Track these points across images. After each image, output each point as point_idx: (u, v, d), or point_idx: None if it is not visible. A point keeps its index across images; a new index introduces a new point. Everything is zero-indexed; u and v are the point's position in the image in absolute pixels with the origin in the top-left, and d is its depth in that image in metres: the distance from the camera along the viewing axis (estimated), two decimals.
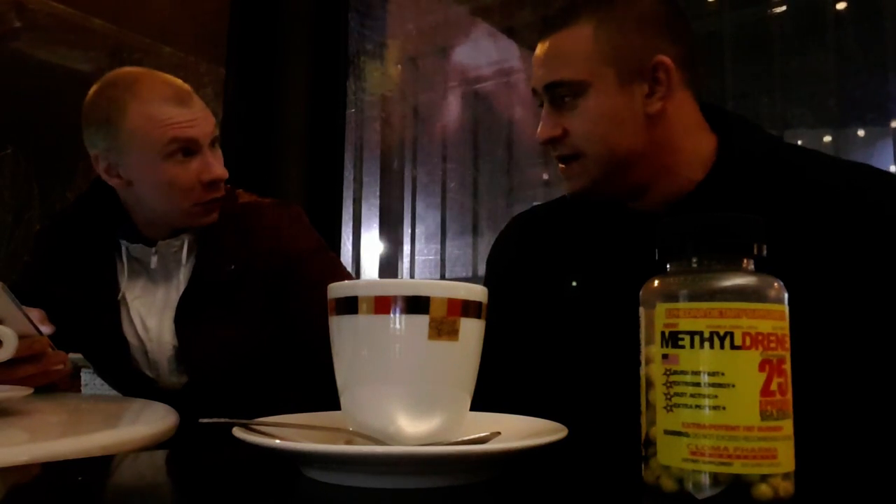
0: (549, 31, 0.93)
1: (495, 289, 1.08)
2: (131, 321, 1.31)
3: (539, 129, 0.95)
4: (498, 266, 1.10)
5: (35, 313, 1.12)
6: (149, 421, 0.92)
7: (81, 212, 1.30)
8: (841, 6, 2.36)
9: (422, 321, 0.51)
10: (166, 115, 1.22)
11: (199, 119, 1.24)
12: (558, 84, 0.91)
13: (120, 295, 1.31)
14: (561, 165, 0.96)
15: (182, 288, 1.28)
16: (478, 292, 0.55)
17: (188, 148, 1.23)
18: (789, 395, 0.43)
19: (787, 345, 0.43)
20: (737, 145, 0.91)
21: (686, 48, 0.93)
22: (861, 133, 2.38)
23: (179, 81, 1.29)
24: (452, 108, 3.23)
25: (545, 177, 3.04)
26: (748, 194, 0.87)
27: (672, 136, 0.92)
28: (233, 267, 1.27)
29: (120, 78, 1.27)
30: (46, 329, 1.11)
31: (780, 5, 2.42)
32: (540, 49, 0.94)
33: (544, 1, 3.05)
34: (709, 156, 0.92)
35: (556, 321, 0.97)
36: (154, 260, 1.29)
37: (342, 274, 1.37)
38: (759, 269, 0.45)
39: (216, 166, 1.26)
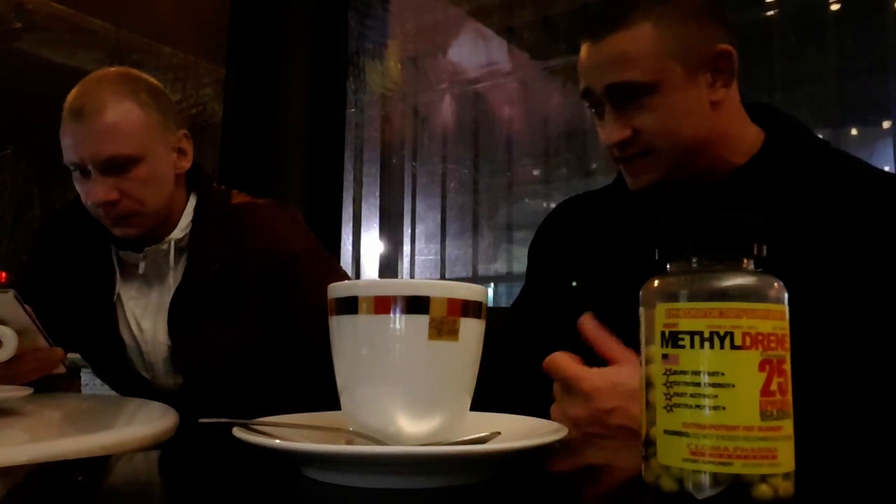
0: (603, 31, 0.90)
1: (533, 268, 1.11)
2: (127, 322, 1.31)
3: (605, 133, 0.92)
4: (538, 248, 1.13)
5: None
6: (148, 421, 0.92)
7: (78, 212, 1.30)
8: (840, 6, 2.36)
9: (422, 321, 0.51)
10: (64, 130, 1.21)
11: (85, 142, 1.18)
12: (624, 85, 0.89)
13: (115, 296, 1.31)
14: (625, 164, 0.95)
15: (174, 289, 1.28)
16: (478, 292, 0.55)
17: (81, 168, 1.21)
18: (789, 395, 0.43)
19: (787, 345, 0.43)
20: (783, 140, 0.93)
21: (731, 32, 0.94)
22: (860, 133, 2.38)
23: (92, 91, 1.20)
24: (452, 108, 3.23)
25: (535, 173, 3.04)
26: (782, 187, 0.89)
27: (728, 121, 0.93)
28: (218, 266, 1.26)
29: None
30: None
31: (779, 7, 2.42)
32: (594, 50, 0.91)
33: (544, 1, 3.05)
34: (753, 146, 0.94)
35: (574, 310, 0.99)
36: (143, 265, 1.29)
37: (338, 274, 1.36)
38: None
39: (94, 192, 1.20)
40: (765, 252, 0.45)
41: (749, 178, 0.92)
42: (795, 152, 0.91)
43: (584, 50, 0.93)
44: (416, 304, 0.51)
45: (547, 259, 1.09)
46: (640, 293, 0.47)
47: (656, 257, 0.47)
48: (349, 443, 0.55)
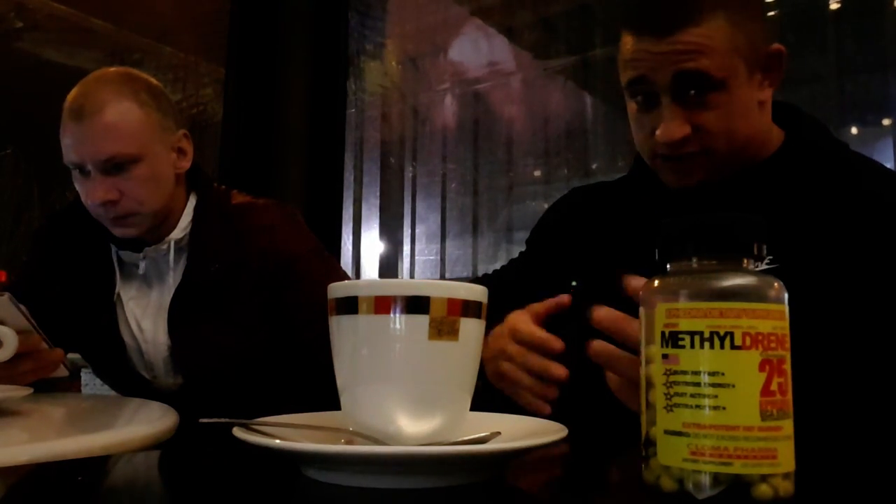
0: (673, 26, 0.86)
1: (533, 245, 1.12)
2: (127, 322, 1.31)
3: (663, 130, 0.87)
4: (542, 228, 1.12)
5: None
6: (149, 420, 0.92)
7: (78, 212, 1.30)
8: (840, 6, 2.36)
9: (422, 321, 0.51)
10: (64, 130, 1.21)
11: (85, 141, 1.18)
12: (695, 74, 0.85)
13: (115, 296, 1.31)
14: (673, 163, 0.90)
15: (174, 289, 1.28)
16: (478, 292, 0.55)
17: (81, 168, 1.21)
18: (789, 395, 0.43)
19: (787, 345, 0.43)
20: (803, 140, 0.92)
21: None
22: (860, 132, 2.38)
23: (92, 91, 1.20)
24: (452, 108, 3.23)
25: (536, 174, 3.04)
26: (793, 187, 0.88)
27: (766, 122, 0.92)
28: (217, 266, 1.26)
29: None
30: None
31: (779, 7, 2.42)
32: (661, 41, 0.86)
33: (545, 1, 3.05)
34: (774, 146, 0.93)
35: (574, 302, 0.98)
36: (143, 265, 1.29)
37: (338, 275, 1.36)
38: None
39: (94, 192, 1.20)
40: (765, 252, 0.45)
41: (761, 177, 0.91)
42: (811, 152, 0.91)
43: (643, 41, 0.88)
44: (416, 304, 0.51)
45: (549, 241, 1.09)
46: (641, 293, 0.47)
47: (657, 257, 0.47)
48: (349, 443, 0.55)
